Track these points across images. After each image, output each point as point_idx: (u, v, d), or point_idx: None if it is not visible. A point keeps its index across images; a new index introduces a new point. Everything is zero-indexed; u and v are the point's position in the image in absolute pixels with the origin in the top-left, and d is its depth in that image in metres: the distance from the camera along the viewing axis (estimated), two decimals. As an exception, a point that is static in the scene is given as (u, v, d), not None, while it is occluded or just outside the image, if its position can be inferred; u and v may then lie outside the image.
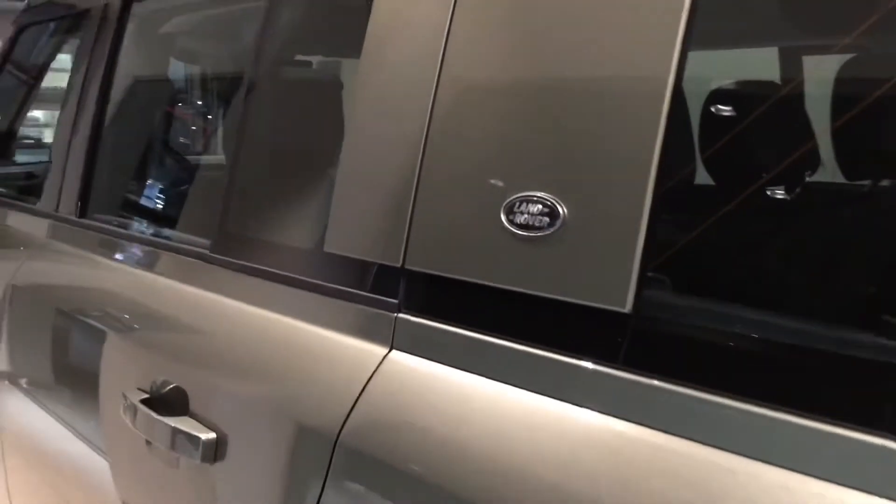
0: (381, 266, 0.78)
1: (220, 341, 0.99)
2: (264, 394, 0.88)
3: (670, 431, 0.54)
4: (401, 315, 0.76)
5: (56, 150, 1.54)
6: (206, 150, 1.62)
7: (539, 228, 0.63)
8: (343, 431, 0.74)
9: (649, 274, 0.58)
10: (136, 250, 1.24)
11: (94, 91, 1.45)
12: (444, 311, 0.72)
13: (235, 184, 1.08)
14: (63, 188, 1.45)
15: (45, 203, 1.52)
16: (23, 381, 1.43)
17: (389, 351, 0.76)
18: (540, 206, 0.63)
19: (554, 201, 0.62)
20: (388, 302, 0.77)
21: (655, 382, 0.56)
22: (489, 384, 0.66)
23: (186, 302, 1.06)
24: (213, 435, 0.89)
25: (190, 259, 1.10)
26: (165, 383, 0.99)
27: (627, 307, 0.57)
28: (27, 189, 1.88)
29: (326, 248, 0.84)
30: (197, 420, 0.92)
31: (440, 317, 0.72)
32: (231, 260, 1.00)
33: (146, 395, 1.01)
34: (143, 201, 1.48)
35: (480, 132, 0.70)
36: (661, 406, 0.55)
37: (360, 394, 0.75)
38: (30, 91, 2.08)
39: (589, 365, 0.60)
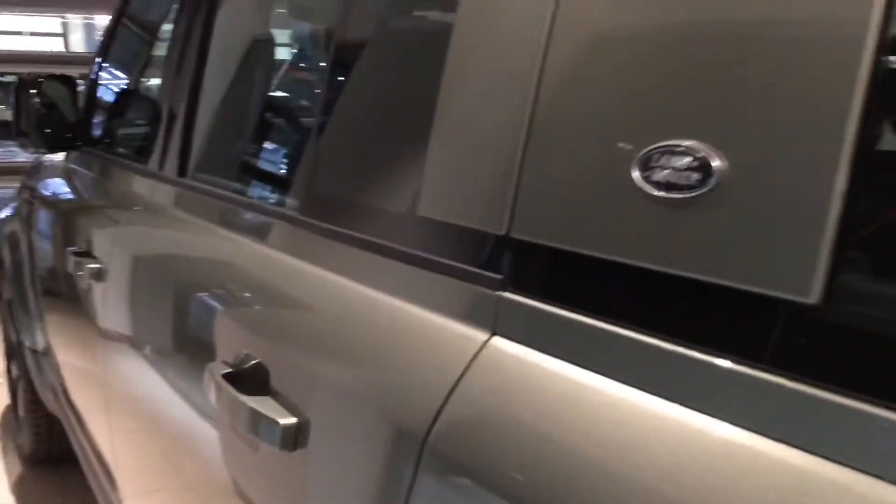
0: (482, 233, 0.64)
1: (303, 315, 0.89)
2: (347, 378, 0.77)
3: (863, 469, 0.39)
4: (505, 294, 0.62)
5: (160, 108, 1.50)
6: (302, 109, 1.52)
7: (685, 188, 0.48)
8: (433, 430, 0.62)
9: (847, 253, 0.41)
10: (230, 212, 1.17)
11: (195, 47, 1.38)
12: (558, 292, 0.58)
13: (330, 141, 0.97)
14: (166, 148, 1.40)
15: (151, 163, 1.48)
16: (126, 341, 1.40)
17: (490, 337, 0.62)
18: (687, 159, 0.48)
19: (707, 152, 0.47)
20: (489, 278, 0.64)
21: (851, 403, 0.40)
22: (611, 385, 0.52)
23: (274, 268, 0.96)
24: (293, 420, 0.79)
25: (279, 222, 1.00)
26: (248, 357, 0.91)
27: (814, 297, 0.41)
28: (141, 150, 1.87)
29: (421, 213, 0.72)
30: (278, 401, 0.83)
31: (553, 298, 0.58)
32: (320, 224, 0.89)
33: (229, 370, 0.93)
34: (239, 161, 1.41)
35: (608, 67, 0.55)
36: (857, 434, 0.40)
37: (454, 386, 0.62)
38: (146, 49, 2.08)
39: (752, 372, 0.44)
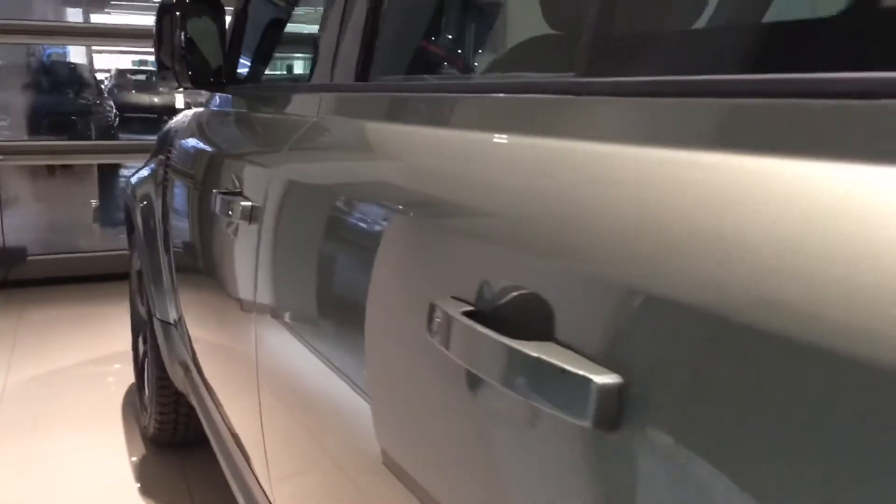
0: None
1: (607, 216, 0.56)
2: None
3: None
4: None
5: (329, 14, 1.22)
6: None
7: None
8: None
9: None
10: (452, 103, 0.85)
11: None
12: None
13: None
14: (339, 54, 1.12)
15: (318, 75, 1.20)
16: (281, 309, 1.12)
17: None
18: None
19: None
20: None
21: None
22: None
23: (539, 155, 0.64)
24: (615, 379, 0.47)
25: (543, 97, 0.68)
26: (507, 290, 0.59)
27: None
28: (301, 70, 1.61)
29: None
30: (573, 350, 0.51)
31: None
32: (619, 80, 0.57)
33: (470, 308, 0.61)
34: (445, 49, 1.10)
35: None
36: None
37: None
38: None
39: None
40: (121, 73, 15.80)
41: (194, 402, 2.14)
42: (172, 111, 14.81)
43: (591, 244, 0.53)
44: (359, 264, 0.88)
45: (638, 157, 0.53)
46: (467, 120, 0.79)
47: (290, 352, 1.08)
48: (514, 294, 0.58)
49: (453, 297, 0.64)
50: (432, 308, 0.64)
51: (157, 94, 14.96)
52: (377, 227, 0.85)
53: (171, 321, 2.22)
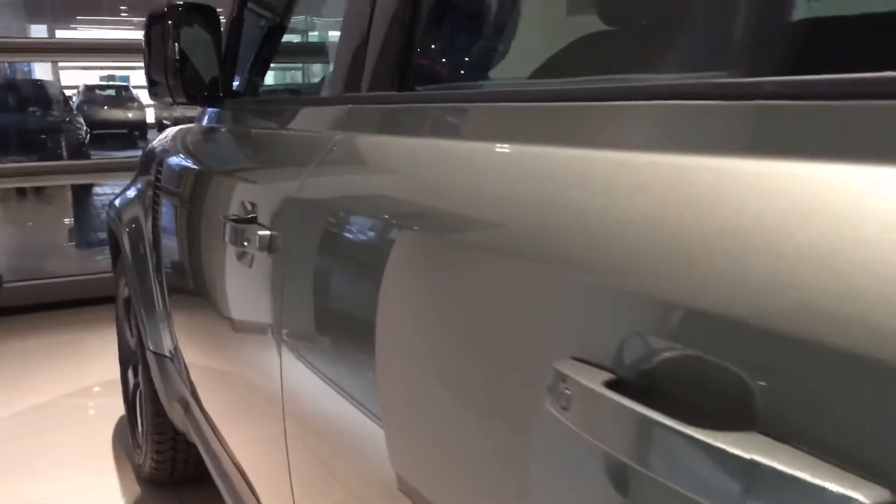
0: None
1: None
2: None
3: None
4: None
5: (353, 15, 1.08)
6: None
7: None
8: None
9: None
10: (530, 114, 0.72)
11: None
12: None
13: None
14: (371, 60, 0.98)
15: (336, 88, 1.07)
16: (314, 346, 0.99)
17: None
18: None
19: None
20: None
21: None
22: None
23: (666, 176, 0.51)
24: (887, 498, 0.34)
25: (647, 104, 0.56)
26: (653, 354, 0.46)
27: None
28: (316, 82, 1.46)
29: None
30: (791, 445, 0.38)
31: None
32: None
33: (609, 375, 0.48)
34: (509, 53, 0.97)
35: None
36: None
37: None
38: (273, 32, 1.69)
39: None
40: (89, 88, 15.55)
41: (196, 440, 1.99)
42: (143, 126, 14.65)
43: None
44: (406, 301, 0.75)
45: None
46: (554, 134, 0.66)
47: (325, 392, 0.94)
48: (666, 355, 0.45)
49: (574, 359, 0.51)
50: (558, 375, 0.51)
51: (128, 109, 14.73)
52: (427, 261, 0.72)
53: (167, 353, 2.06)
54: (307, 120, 1.21)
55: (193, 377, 1.88)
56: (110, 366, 2.92)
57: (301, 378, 1.02)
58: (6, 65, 9.78)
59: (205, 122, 1.90)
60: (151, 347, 2.10)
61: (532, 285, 0.58)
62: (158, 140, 2.33)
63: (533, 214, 0.60)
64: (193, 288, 1.70)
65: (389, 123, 0.93)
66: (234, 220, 1.19)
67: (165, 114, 13.50)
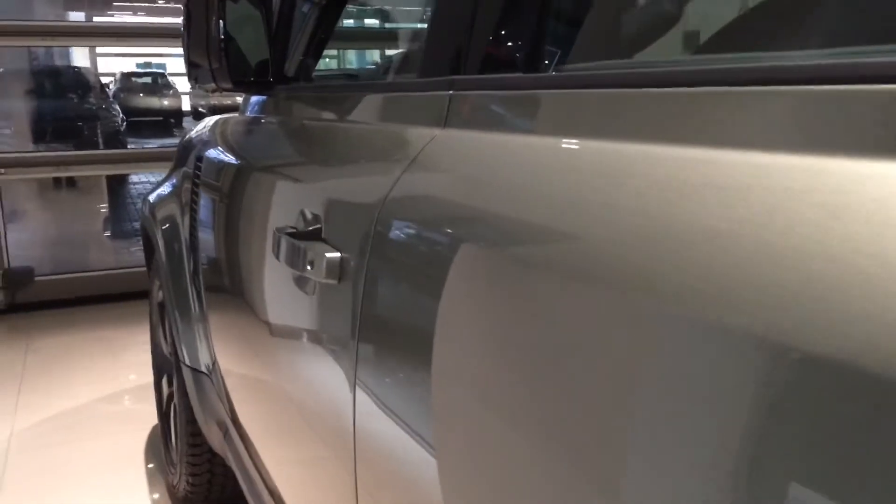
0: None
1: None
2: None
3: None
4: None
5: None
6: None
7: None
8: None
9: None
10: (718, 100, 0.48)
11: None
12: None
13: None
14: (479, 34, 0.75)
15: (423, 70, 0.83)
16: (404, 387, 0.76)
17: None
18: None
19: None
20: None
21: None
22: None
23: None
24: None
25: None
26: None
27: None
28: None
29: None
30: None
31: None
32: None
33: None
34: None
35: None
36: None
37: None
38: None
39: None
40: (125, 76, 15.55)
41: (234, 467, 1.78)
42: (179, 114, 14.63)
43: None
44: (559, 353, 0.51)
45: None
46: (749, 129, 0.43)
47: (377, 422, 0.72)
48: None
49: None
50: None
51: (164, 97, 14.69)
52: (586, 304, 0.48)
53: (203, 369, 1.86)
54: (388, 111, 0.97)
55: (234, 399, 1.67)
56: (144, 367, 2.73)
57: (381, 421, 0.79)
58: (43, 51, 9.73)
59: (250, 111, 1.69)
60: (187, 361, 1.89)
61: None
62: (197, 130, 2.12)
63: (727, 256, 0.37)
64: (236, 300, 1.49)
65: (515, 115, 0.69)
66: (290, 235, 0.96)
67: (202, 102, 13.42)
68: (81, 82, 9.22)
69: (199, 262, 1.82)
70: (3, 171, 3.95)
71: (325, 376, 0.94)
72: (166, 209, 2.08)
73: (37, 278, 4.14)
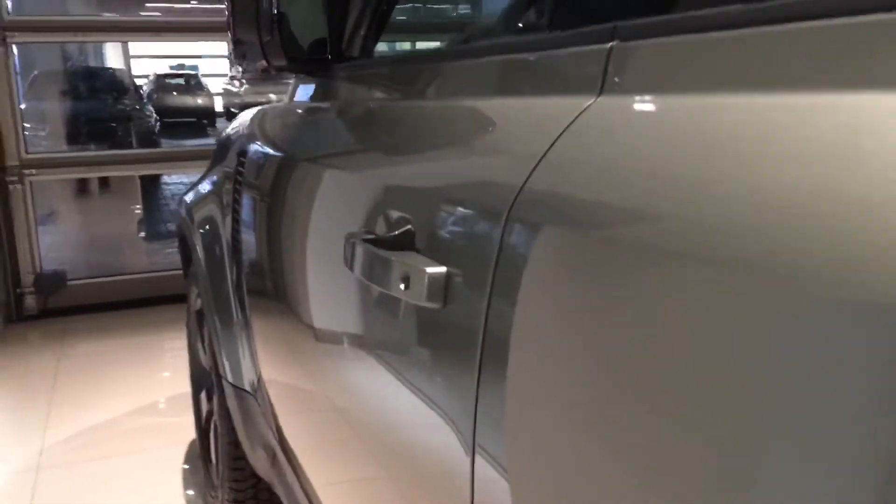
0: None
1: None
2: None
3: None
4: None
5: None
6: None
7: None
8: None
9: None
10: None
11: None
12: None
13: None
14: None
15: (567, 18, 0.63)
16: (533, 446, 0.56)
17: None
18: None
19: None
20: None
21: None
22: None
23: None
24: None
25: None
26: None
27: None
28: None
29: None
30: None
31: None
32: None
33: None
34: None
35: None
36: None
37: None
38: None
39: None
40: (159, 77, 15.57)
41: (282, 495, 1.60)
42: (212, 115, 14.60)
43: None
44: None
45: None
46: None
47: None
48: None
49: None
50: None
51: (196, 97, 14.68)
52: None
53: (248, 387, 1.67)
54: (507, 79, 0.75)
55: (283, 423, 1.48)
56: (180, 375, 2.56)
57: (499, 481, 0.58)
58: (77, 53, 9.70)
59: (298, 96, 1.49)
60: (229, 378, 1.71)
61: None
62: (236, 123, 1.93)
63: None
64: (288, 315, 1.30)
65: (712, 71, 0.47)
66: (370, 241, 0.76)
67: (236, 101, 13.37)
68: (115, 83, 9.19)
69: (242, 269, 1.63)
70: (34, 171, 3.82)
71: (417, 424, 0.74)
72: (205, 210, 1.90)
73: (69, 282, 4.01)
